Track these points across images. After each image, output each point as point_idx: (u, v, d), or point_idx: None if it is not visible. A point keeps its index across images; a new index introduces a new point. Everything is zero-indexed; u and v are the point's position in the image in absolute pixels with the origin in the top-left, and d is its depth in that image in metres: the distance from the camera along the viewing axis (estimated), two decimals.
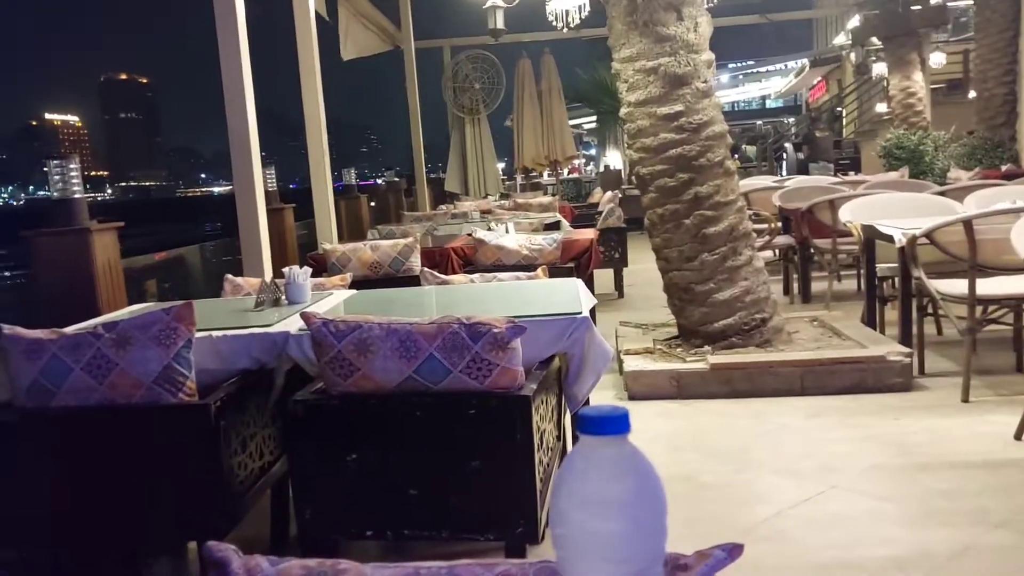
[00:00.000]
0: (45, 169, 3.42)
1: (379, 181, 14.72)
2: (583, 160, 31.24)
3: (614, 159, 19.28)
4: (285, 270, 3.11)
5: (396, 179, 13.79)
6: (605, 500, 0.64)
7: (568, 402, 2.68)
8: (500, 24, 9.55)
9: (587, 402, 2.71)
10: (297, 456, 2.37)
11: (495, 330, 2.18)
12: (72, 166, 3.52)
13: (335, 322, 2.29)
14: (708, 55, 4.65)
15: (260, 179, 4.45)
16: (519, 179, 18.02)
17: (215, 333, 2.59)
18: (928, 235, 4.10)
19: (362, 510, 2.29)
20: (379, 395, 2.24)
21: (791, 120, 28.93)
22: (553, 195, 15.98)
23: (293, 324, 2.66)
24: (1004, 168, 9.30)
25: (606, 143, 20.83)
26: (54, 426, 2.32)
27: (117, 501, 2.33)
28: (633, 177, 4.80)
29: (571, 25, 4.78)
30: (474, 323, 2.21)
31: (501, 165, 17.68)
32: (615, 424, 0.65)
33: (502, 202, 11.17)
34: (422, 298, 3.17)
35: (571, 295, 2.84)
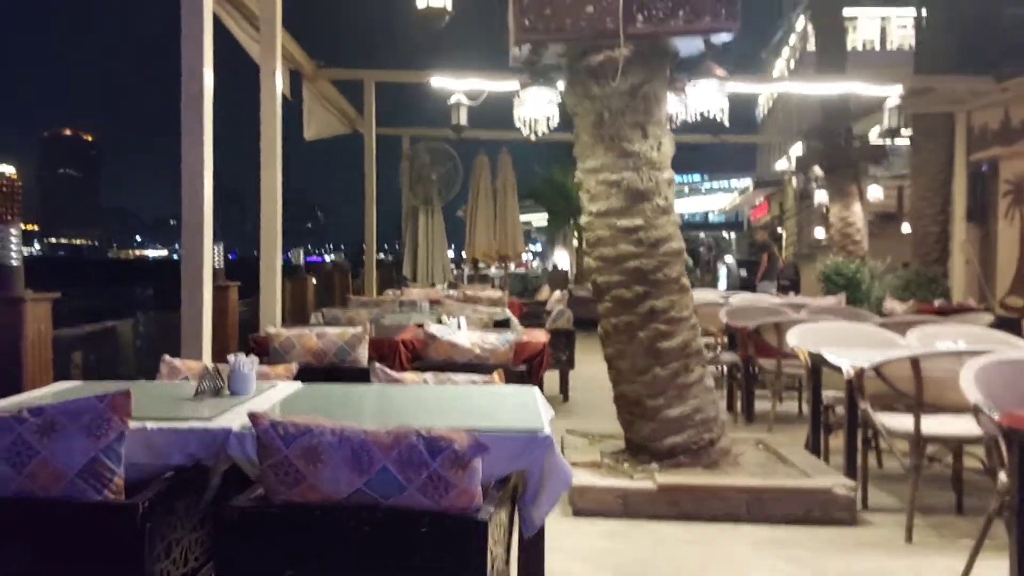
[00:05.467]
0: None
1: (326, 258, 14.59)
2: (530, 255, 31.59)
3: (561, 258, 19.54)
4: (230, 357, 2.96)
5: (342, 260, 13.67)
6: None
7: (523, 524, 2.55)
8: (463, 121, 9.69)
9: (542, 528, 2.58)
10: (227, 567, 2.18)
11: (456, 447, 2.07)
12: (12, 231, 3.35)
13: (284, 424, 2.15)
14: (669, 173, 4.74)
15: (210, 256, 4.31)
16: (467, 269, 18.07)
17: (149, 424, 2.42)
18: (876, 369, 4.14)
19: None
20: (324, 507, 2.10)
21: (732, 235, 29.85)
22: (500, 288, 16.05)
23: (235, 419, 2.50)
24: (937, 303, 9.62)
25: (555, 242, 21.16)
26: None
27: None
28: (590, 284, 4.80)
29: (538, 134, 4.83)
30: (433, 437, 2.09)
31: (450, 253, 17.76)
32: None
33: (451, 292, 11.12)
34: (373, 398, 3.04)
35: (530, 408, 2.75)
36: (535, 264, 30.17)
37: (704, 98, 4.49)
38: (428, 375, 3.37)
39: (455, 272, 18.33)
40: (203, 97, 4.27)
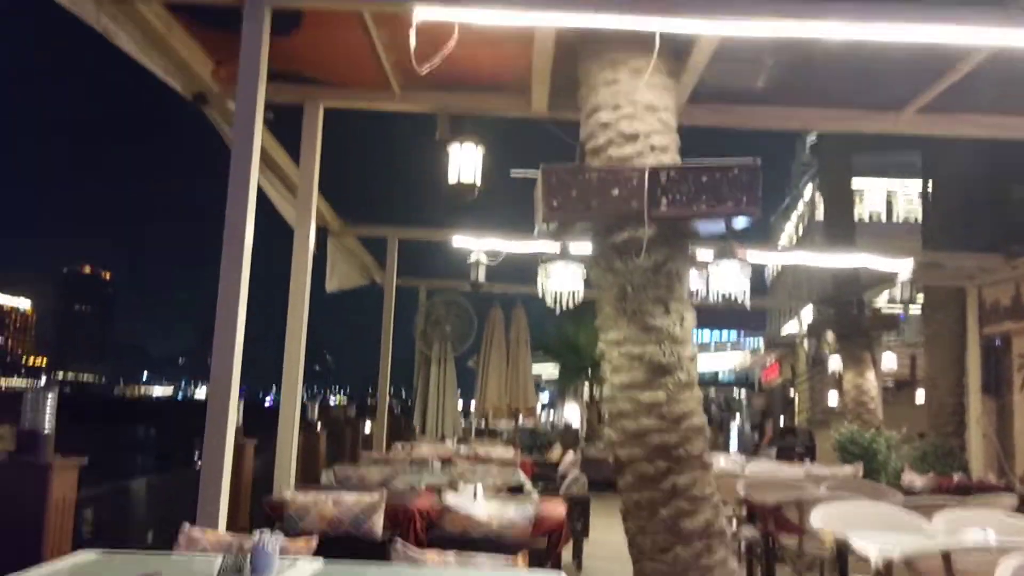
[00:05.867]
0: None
1: (332, 400, 14.59)
2: (539, 407, 31.41)
3: (572, 412, 19.41)
4: (255, 535, 2.92)
5: (347, 402, 13.60)
6: None
7: None
8: (482, 278, 9.95)
9: None
10: None
11: None
12: (49, 397, 3.40)
13: None
14: (692, 349, 4.81)
15: (234, 419, 4.31)
16: (474, 420, 17.94)
17: None
18: (906, 562, 4.04)
19: None
20: None
21: (743, 393, 29.64)
22: (508, 442, 15.87)
23: None
24: (956, 478, 9.46)
25: (565, 396, 21.08)
26: None
27: None
28: (611, 459, 4.77)
29: (564, 307, 4.94)
30: None
31: (460, 403, 17.70)
32: None
33: (461, 448, 10.99)
34: None
35: None
36: (543, 418, 29.92)
37: (726, 279, 4.62)
38: (450, 555, 3.30)
39: (464, 424, 18.20)
40: (242, 260, 4.39)
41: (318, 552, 3.41)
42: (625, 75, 4.81)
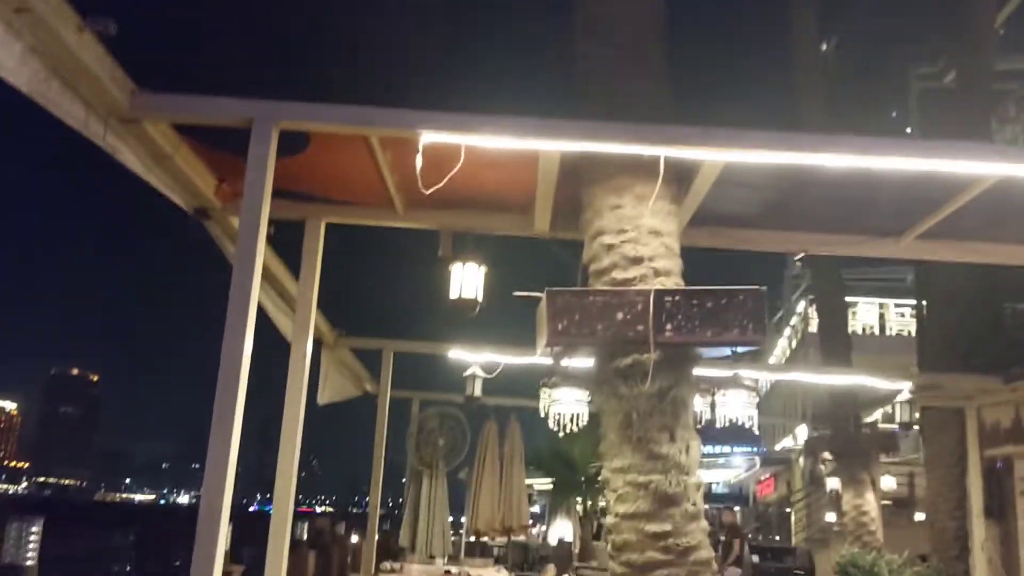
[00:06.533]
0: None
1: (318, 509, 14.20)
2: (531, 521, 30.58)
3: (565, 529, 18.88)
4: None
5: (332, 514, 13.19)
6: None
7: None
8: (478, 392, 9.83)
9: None
10: None
11: None
12: (33, 530, 3.25)
13: None
14: (698, 479, 4.68)
15: (223, 546, 4.13)
16: (464, 536, 17.40)
17: None
18: None
19: None
20: None
21: (737, 510, 28.96)
22: (498, 560, 15.36)
23: None
24: None
25: (558, 511, 20.55)
26: None
27: None
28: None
29: (567, 431, 4.85)
30: None
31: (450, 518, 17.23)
32: None
33: (452, 569, 10.62)
34: None
35: None
36: (534, 532, 29.13)
37: (734, 407, 4.54)
38: None
39: (454, 539, 17.64)
40: (239, 379, 4.30)
41: None
42: (629, 200, 4.87)
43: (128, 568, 40.22)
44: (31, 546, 3.19)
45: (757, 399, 4.58)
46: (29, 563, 3.23)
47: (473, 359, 9.77)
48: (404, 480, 14.83)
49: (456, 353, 9.93)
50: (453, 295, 5.89)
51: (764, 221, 6.01)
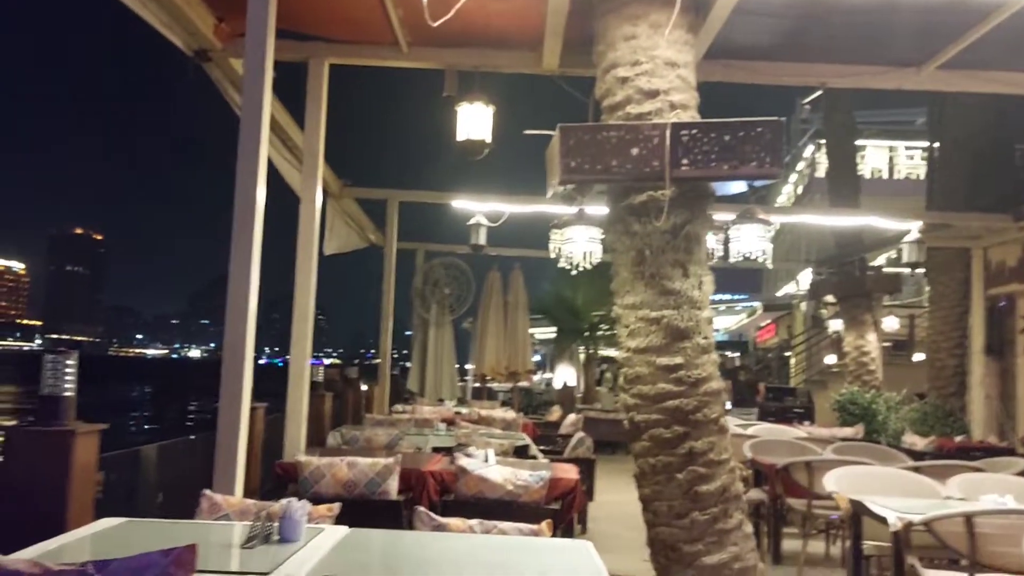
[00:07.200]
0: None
1: (325, 362, 14.59)
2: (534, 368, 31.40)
3: (568, 375, 19.39)
4: (283, 502, 2.87)
5: (340, 362, 13.57)
6: None
7: None
8: (482, 241, 9.81)
9: None
10: None
11: None
12: (69, 362, 3.32)
13: None
14: (710, 312, 4.74)
15: (249, 386, 4.24)
16: (470, 381, 17.94)
17: None
18: (927, 524, 4.02)
19: None
20: None
21: (736, 356, 29.73)
22: (506, 403, 15.89)
23: (295, 571, 2.40)
24: (958, 439, 9.50)
25: (560, 357, 21.06)
26: None
27: None
28: (626, 422, 4.72)
29: (579, 269, 4.87)
30: None
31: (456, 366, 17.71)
32: None
33: (462, 410, 10.99)
34: (427, 551, 2.92)
35: (592, 571, 2.64)
36: (536, 378, 29.97)
37: (748, 241, 4.53)
38: (474, 522, 3.26)
39: (460, 384, 18.20)
40: (254, 228, 4.27)
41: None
42: (644, 30, 4.68)
43: (147, 414, 42.14)
44: (68, 378, 3.27)
45: (771, 232, 4.57)
46: (68, 394, 3.31)
47: (478, 208, 9.70)
48: (408, 333, 15.12)
49: (461, 203, 9.85)
50: (461, 136, 5.78)
51: (782, 53, 5.82)
